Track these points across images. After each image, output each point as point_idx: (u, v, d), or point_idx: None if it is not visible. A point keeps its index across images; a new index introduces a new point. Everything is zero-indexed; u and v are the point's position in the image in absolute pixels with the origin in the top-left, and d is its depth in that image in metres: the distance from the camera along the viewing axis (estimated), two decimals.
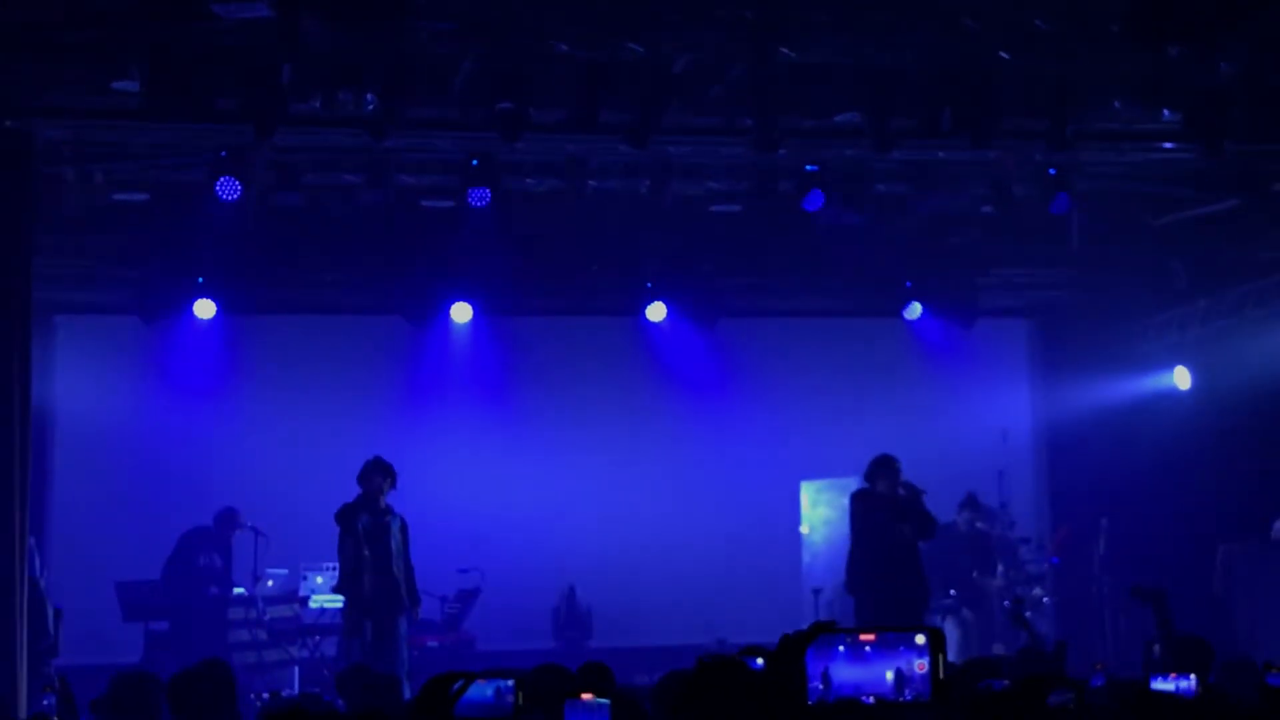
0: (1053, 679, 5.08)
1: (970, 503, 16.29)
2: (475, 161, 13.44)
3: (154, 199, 14.49)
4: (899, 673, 4.59)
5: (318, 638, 15.27)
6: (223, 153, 13.02)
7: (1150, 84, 12.49)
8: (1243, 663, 9.03)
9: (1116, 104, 12.94)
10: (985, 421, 17.72)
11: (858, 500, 13.52)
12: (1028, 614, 13.65)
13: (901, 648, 4.64)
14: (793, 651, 4.15)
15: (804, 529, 17.93)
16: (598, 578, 17.06)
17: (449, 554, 14.98)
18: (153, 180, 14.27)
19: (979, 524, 16.30)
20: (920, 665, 4.59)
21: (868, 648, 4.64)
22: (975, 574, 15.82)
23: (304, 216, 14.78)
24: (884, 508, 13.27)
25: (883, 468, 13.37)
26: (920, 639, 4.63)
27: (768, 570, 17.47)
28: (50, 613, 13.38)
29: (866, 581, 13.22)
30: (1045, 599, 16.82)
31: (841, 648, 4.60)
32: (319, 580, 14.92)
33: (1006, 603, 15.95)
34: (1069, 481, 17.78)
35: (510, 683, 5.35)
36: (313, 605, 15.22)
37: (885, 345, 17.84)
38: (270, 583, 15.57)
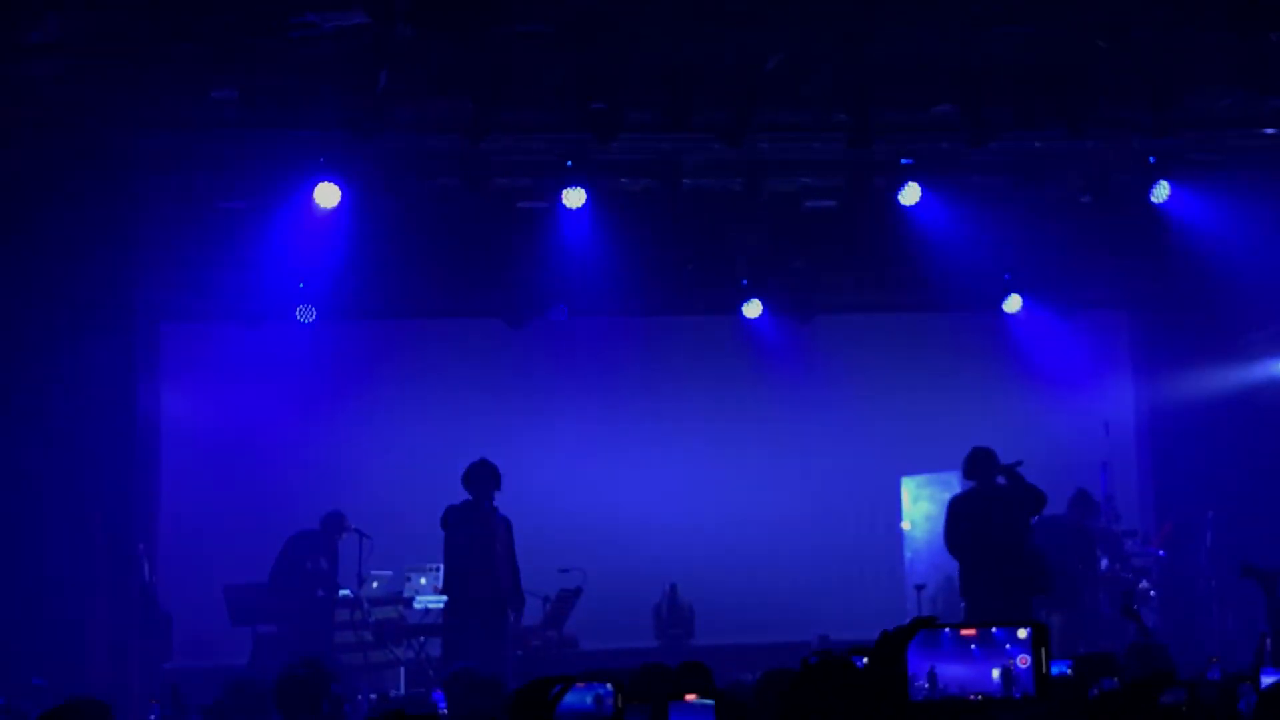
0: (1165, 677, 5.03)
1: (1082, 499, 16.16)
2: (570, 162, 13.50)
3: (254, 206, 14.67)
4: (1005, 670, 4.55)
5: (422, 638, 15.37)
6: (321, 159, 13.17)
7: (1252, 70, 12.33)
8: None
9: (1217, 91, 12.81)
10: (1088, 414, 17.54)
11: (957, 504, 13.35)
12: (1136, 607, 13.51)
13: (1006, 644, 4.60)
14: (893, 648, 4.12)
15: (905, 525, 17.84)
16: (699, 576, 17.06)
17: (551, 554, 15.03)
18: (253, 188, 14.46)
19: (1086, 520, 16.16)
20: (1024, 660, 4.55)
21: (972, 645, 4.60)
22: (1080, 567, 15.67)
23: (402, 221, 14.90)
24: (983, 502, 13.12)
25: (975, 463, 13.19)
26: (1023, 633, 4.58)
27: (869, 567, 17.40)
28: (161, 617, 13.60)
29: (977, 582, 13.04)
30: (1151, 592, 16.63)
31: (945, 644, 4.57)
32: (423, 581, 15.02)
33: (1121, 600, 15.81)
34: (1174, 473, 17.56)
35: (609, 687, 5.36)
36: (417, 606, 15.33)
37: (984, 339, 17.71)
38: (375, 584, 15.69)
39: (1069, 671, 7.37)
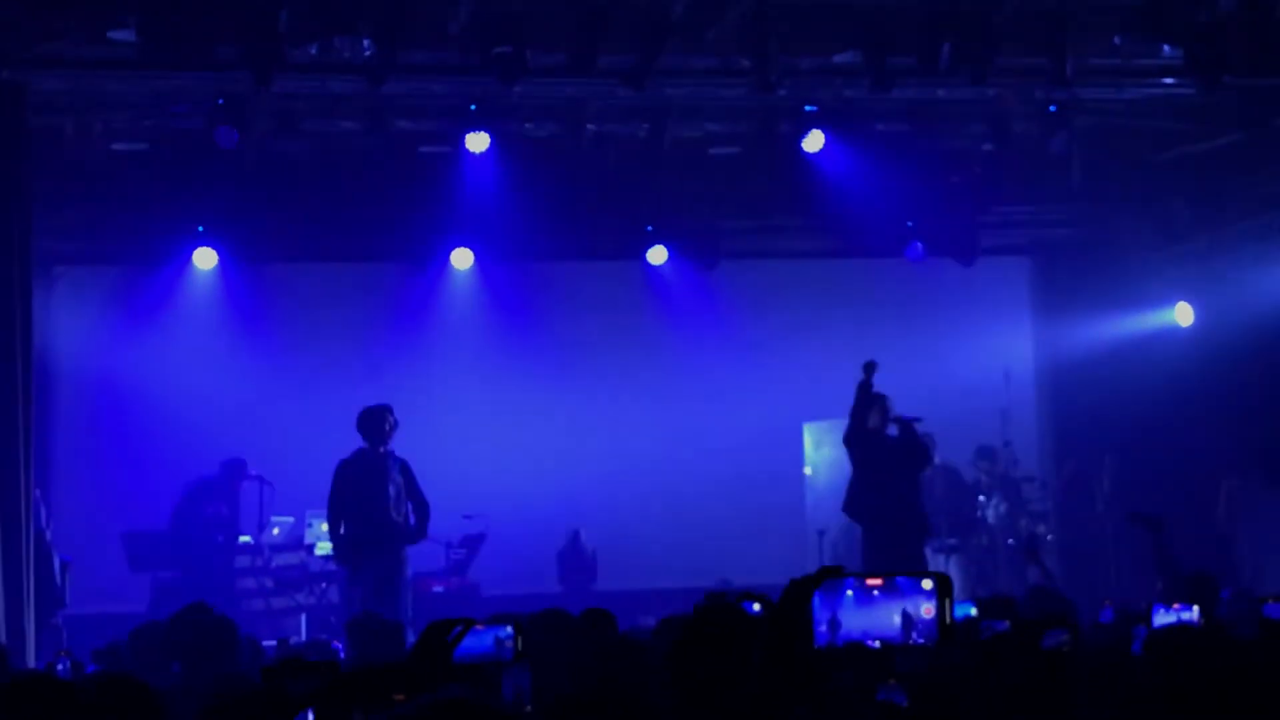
0: (1048, 621, 5.09)
1: (979, 451, 16.39)
2: (473, 106, 13.41)
3: (153, 148, 14.47)
4: (905, 615, 4.59)
5: (324, 585, 15.32)
6: (220, 100, 12.99)
7: (1150, 19, 12.45)
8: (1245, 595, 9.08)
9: (1116, 40, 12.92)
10: (988, 361, 17.70)
11: (848, 438, 13.52)
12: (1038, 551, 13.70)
13: (908, 592, 4.64)
14: (800, 596, 4.15)
15: (807, 470, 17.96)
16: (602, 521, 17.10)
17: (454, 500, 14.97)
18: (151, 129, 14.26)
19: (983, 468, 16.39)
20: (927, 609, 4.59)
21: (875, 592, 4.64)
22: (977, 513, 15.87)
23: (303, 164, 14.75)
24: (876, 444, 13.26)
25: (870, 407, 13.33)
26: (928, 583, 4.63)
27: (771, 512, 17.50)
28: (57, 564, 13.44)
29: (867, 513, 13.22)
30: (1049, 537, 16.87)
31: (849, 592, 4.61)
32: (324, 528, 14.94)
33: (1011, 540, 16.02)
34: (1072, 420, 17.79)
35: (509, 629, 5.36)
36: (318, 553, 15.26)
37: (887, 285, 17.82)
38: (276, 531, 15.62)
39: (973, 613, 7.48)
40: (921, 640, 4.55)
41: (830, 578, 4.43)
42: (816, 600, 4.31)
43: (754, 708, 3.74)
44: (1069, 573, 15.73)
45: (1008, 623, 6.33)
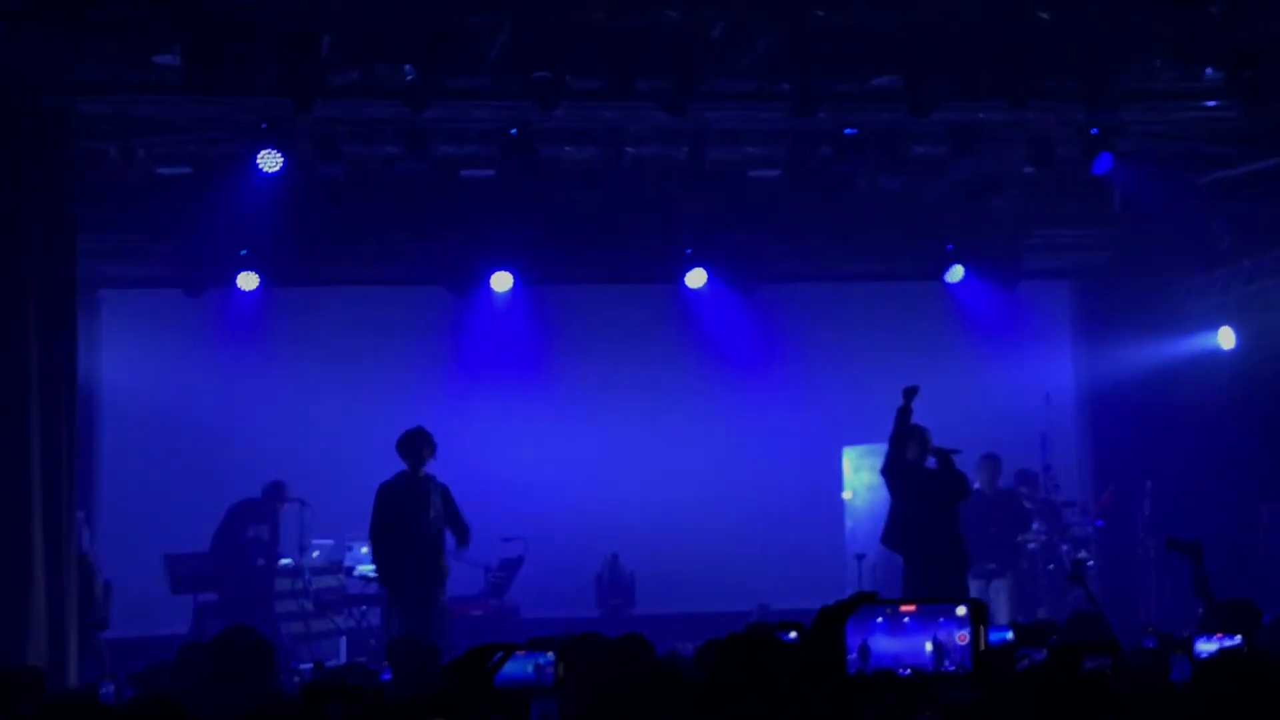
0: (1088, 645, 5.04)
1: (1020, 475, 16.29)
2: (513, 130, 13.45)
3: (196, 172, 14.56)
4: (937, 644, 4.56)
5: (364, 607, 15.36)
6: (263, 125, 13.08)
7: (1191, 43, 12.40)
8: None
9: (1158, 63, 12.87)
10: (1028, 384, 17.64)
11: (886, 470, 13.45)
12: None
13: (941, 619, 4.60)
14: (832, 623, 4.13)
15: (846, 495, 17.91)
16: (641, 545, 17.07)
17: (492, 523, 15.00)
18: (194, 154, 14.35)
19: (1025, 492, 16.29)
20: (961, 637, 4.55)
21: (907, 619, 4.60)
22: (1018, 537, 15.79)
23: (344, 188, 14.81)
24: (915, 476, 13.20)
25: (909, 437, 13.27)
26: (961, 610, 4.59)
27: (810, 536, 17.44)
28: (99, 586, 13.50)
29: (906, 545, 13.16)
30: (1090, 562, 16.76)
31: (880, 619, 4.57)
32: (364, 550, 14.98)
33: (1051, 566, 15.92)
34: (1113, 444, 17.69)
35: (550, 656, 5.36)
36: (357, 575, 15.30)
37: (927, 309, 17.78)
38: (316, 553, 15.67)
39: (1010, 638, 7.43)
40: (953, 668, 4.51)
41: (863, 604, 4.41)
42: (849, 627, 4.28)
43: None
44: (1108, 598, 15.63)
45: (1045, 651, 6.29)
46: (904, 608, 4.60)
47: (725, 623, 8.52)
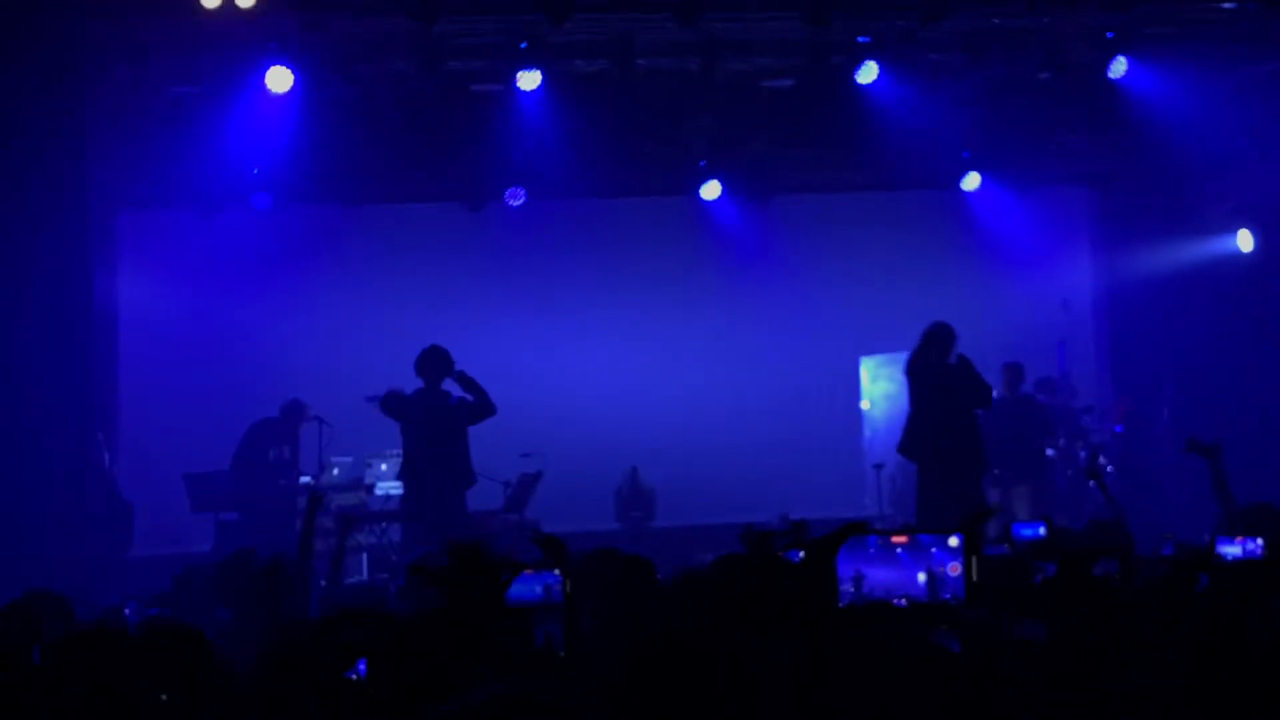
0: (1096, 551, 5.04)
1: (1041, 382, 16.24)
2: (524, 44, 13.36)
3: (207, 91, 14.49)
4: (931, 574, 4.55)
5: (384, 524, 15.42)
6: (273, 43, 13.01)
7: None
8: None
9: None
10: (1046, 291, 17.61)
11: (910, 368, 13.36)
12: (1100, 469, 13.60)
13: (934, 550, 4.59)
14: (823, 554, 4.13)
15: (864, 404, 17.92)
16: (659, 458, 17.11)
17: (512, 438, 15.03)
18: (207, 72, 14.27)
19: (1023, 391, 16.27)
20: (954, 568, 4.54)
21: (899, 550, 4.60)
22: (1038, 444, 15.77)
23: (356, 105, 14.75)
24: (935, 375, 13.10)
25: (930, 335, 13.14)
26: (954, 541, 4.59)
27: (829, 446, 17.48)
28: (121, 506, 13.59)
29: (922, 450, 13.08)
30: (1109, 467, 16.76)
31: (872, 550, 4.56)
32: (384, 467, 15.02)
33: (1069, 472, 15.93)
34: (1131, 349, 17.65)
35: (557, 574, 5.38)
36: (378, 492, 15.34)
37: (943, 217, 17.70)
38: (336, 471, 15.70)
39: (1043, 533, 7.43)
40: (950, 597, 4.50)
41: (853, 535, 4.39)
42: (841, 558, 4.27)
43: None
44: (1128, 503, 15.63)
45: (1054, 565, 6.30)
46: (895, 539, 4.60)
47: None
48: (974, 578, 4.47)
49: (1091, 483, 12.66)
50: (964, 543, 4.52)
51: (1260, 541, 7.43)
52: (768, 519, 15.32)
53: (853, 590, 4.48)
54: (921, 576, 4.54)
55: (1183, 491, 15.72)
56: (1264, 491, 10.47)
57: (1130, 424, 17.03)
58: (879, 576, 4.53)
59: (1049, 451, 15.87)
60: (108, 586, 12.18)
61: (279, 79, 13.16)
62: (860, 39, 13.74)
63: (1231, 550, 7.33)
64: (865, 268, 17.81)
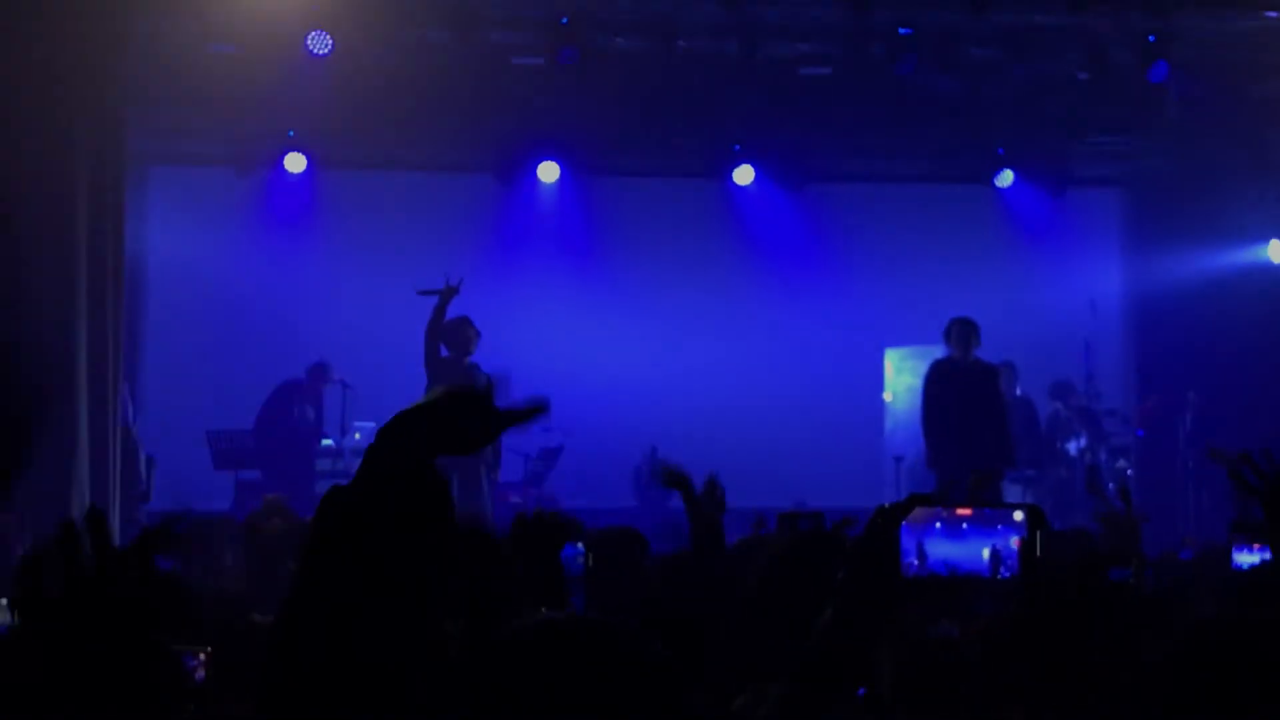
0: (1112, 556, 5.02)
1: (1056, 386, 16.25)
2: (565, 19, 13.36)
3: (246, 51, 14.50)
4: (994, 551, 4.49)
5: None
6: (313, 5, 13.03)
7: None
8: None
9: None
10: (1074, 291, 17.56)
11: (932, 370, 13.37)
12: (1109, 485, 13.58)
13: (1000, 525, 4.52)
14: (888, 522, 4.10)
15: (887, 396, 17.91)
16: (680, 439, 17.03)
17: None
18: (245, 32, 14.27)
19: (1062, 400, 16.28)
20: (1016, 542, 4.48)
21: (965, 524, 4.52)
22: (1057, 445, 15.77)
23: (394, 73, 14.75)
24: (956, 372, 13.11)
25: (951, 329, 13.16)
26: (1019, 515, 4.52)
27: (850, 436, 17.48)
28: (142, 460, 13.66)
29: (947, 450, 13.09)
30: (1129, 471, 16.75)
31: (939, 524, 4.49)
32: None
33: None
34: (1157, 354, 17.62)
35: (580, 547, 5.41)
36: None
37: (975, 212, 17.68)
38: (358, 435, 15.76)
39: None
40: (1008, 575, 4.43)
41: (920, 505, 4.35)
42: (904, 529, 4.24)
43: (834, 635, 3.73)
44: (1149, 508, 15.62)
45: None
46: (960, 511, 4.53)
47: (762, 518, 8.57)
48: (1038, 553, 4.39)
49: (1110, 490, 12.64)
50: (1029, 517, 4.45)
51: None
52: (784, 505, 15.35)
53: (916, 564, 4.41)
54: (985, 552, 4.47)
55: (1203, 497, 15.72)
56: None
57: (1152, 428, 17.00)
58: (943, 550, 4.45)
59: (1070, 451, 15.87)
60: (124, 538, 12.24)
61: (319, 42, 13.19)
62: (902, 30, 13.71)
63: (1248, 559, 7.31)
64: (894, 259, 17.80)
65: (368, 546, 2.45)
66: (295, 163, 16.03)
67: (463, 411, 2.53)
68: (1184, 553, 8.84)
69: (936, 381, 13.19)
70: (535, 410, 2.60)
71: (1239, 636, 3.48)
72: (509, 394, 13.14)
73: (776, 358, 17.91)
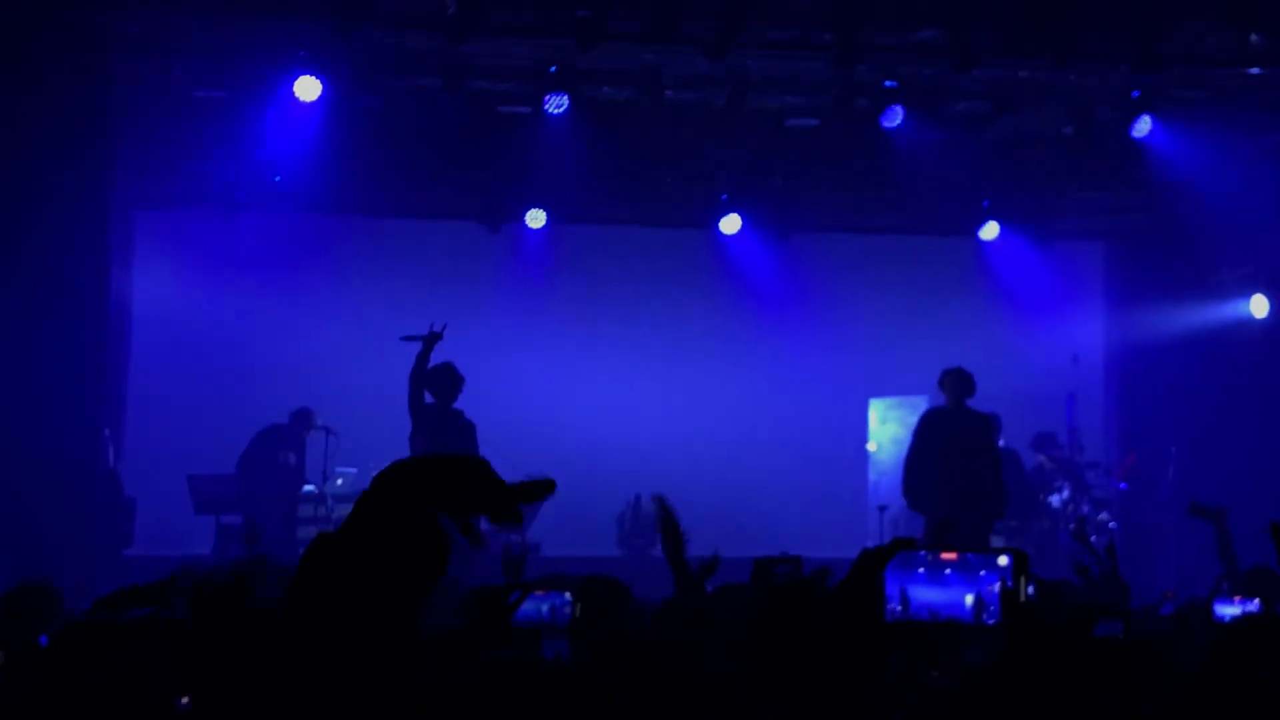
0: (1099, 609, 5.01)
1: (1039, 437, 16.26)
2: (553, 68, 13.42)
3: (233, 95, 14.54)
4: (979, 597, 4.46)
5: None
6: (301, 52, 13.06)
7: (1238, 7, 12.31)
8: None
9: (1203, 27, 12.77)
10: (1057, 344, 17.59)
11: (925, 418, 13.39)
12: (1093, 538, 13.56)
13: (983, 571, 4.48)
14: (872, 567, 4.07)
15: (871, 446, 17.91)
16: (663, 487, 16.82)
17: (517, 459, 15.00)
18: (232, 77, 14.32)
19: (1044, 452, 16.28)
20: (999, 587, 4.44)
21: (948, 569, 4.48)
22: (1039, 496, 15.77)
23: (381, 119, 14.80)
24: (949, 421, 13.13)
25: (945, 379, 13.18)
26: (1003, 560, 4.48)
27: (833, 486, 17.47)
28: (123, 503, 13.61)
29: (932, 498, 13.08)
30: (1111, 524, 16.75)
31: (922, 569, 4.45)
32: None
33: (1071, 526, 15.92)
34: (1140, 408, 17.67)
35: (567, 596, 5.40)
36: None
37: (959, 264, 17.74)
38: (340, 481, 15.73)
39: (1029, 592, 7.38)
40: (992, 622, 4.40)
41: (904, 549, 4.31)
42: (888, 573, 4.20)
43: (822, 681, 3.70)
44: (1128, 562, 15.59)
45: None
46: (945, 555, 4.49)
47: (746, 567, 8.55)
48: (1022, 599, 4.33)
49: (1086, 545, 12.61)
50: (1014, 563, 4.41)
51: (1258, 602, 7.44)
52: (768, 554, 15.30)
53: (900, 609, 4.36)
54: (969, 599, 4.43)
55: (1185, 551, 15.73)
56: (1265, 559, 10.46)
57: (1134, 481, 17.02)
58: (926, 595, 4.40)
59: (1054, 503, 15.87)
60: (106, 583, 12.18)
61: (307, 88, 13.22)
62: (887, 83, 13.78)
63: (1230, 611, 7.32)
64: (879, 310, 17.84)
65: (355, 592, 2.44)
66: (282, 207, 16.04)
67: (473, 479, 2.51)
68: (1165, 607, 8.83)
69: (929, 427, 13.18)
70: (545, 490, 2.59)
71: (1231, 690, 3.48)
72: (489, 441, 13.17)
73: (761, 407, 17.91)
